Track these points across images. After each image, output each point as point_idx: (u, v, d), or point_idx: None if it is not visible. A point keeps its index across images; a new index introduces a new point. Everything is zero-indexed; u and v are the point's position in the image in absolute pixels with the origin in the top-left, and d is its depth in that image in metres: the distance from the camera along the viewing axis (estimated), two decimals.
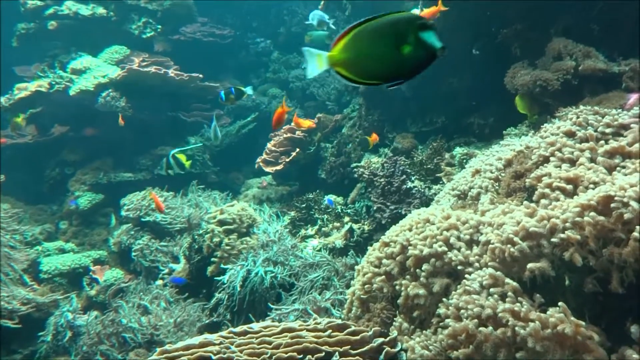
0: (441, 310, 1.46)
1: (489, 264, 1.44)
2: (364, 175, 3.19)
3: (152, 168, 4.99)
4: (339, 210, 3.51)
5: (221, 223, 2.96)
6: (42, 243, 4.15)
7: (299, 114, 6.18)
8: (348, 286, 2.58)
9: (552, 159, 1.56)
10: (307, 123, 3.69)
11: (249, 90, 3.57)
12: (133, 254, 3.63)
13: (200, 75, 5.19)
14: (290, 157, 4.18)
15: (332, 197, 3.77)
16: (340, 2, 4.20)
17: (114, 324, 2.73)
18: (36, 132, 5.19)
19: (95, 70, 4.73)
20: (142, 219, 3.79)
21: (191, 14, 6.18)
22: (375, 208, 3.04)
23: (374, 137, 3.54)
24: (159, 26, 5.73)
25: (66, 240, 4.35)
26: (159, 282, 3.16)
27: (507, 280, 1.35)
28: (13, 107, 4.83)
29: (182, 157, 3.01)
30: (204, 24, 6.47)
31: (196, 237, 3.05)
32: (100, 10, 5.36)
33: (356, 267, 1.93)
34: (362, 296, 1.82)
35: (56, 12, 5.27)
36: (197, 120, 5.66)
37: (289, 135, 4.35)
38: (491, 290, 1.36)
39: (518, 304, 1.27)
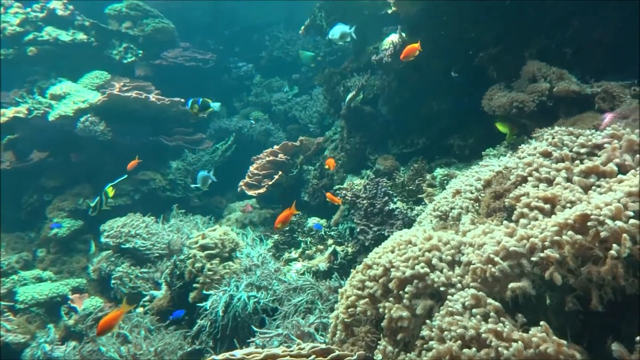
0: (425, 332, 1.45)
1: (471, 284, 1.44)
2: (347, 197, 3.19)
3: (132, 193, 4.93)
4: (323, 233, 3.50)
5: (203, 248, 2.92)
6: (19, 272, 4.02)
7: (281, 137, 6.21)
8: (332, 310, 2.55)
9: (529, 178, 1.58)
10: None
11: (215, 106, 3.55)
12: (112, 281, 3.54)
13: (182, 100, 5.19)
14: (273, 180, 4.18)
15: (315, 219, 3.76)
16: (321, 26, 4.27)
17: (92, 354, 2.65)
18: (14, 158, 5.10)
19: (75, 96, 4.69)
20: (122, 246, 3.72)
21: (173, 39, 6.21)
22: (358, 230, 3.04)
23: (329, 162, 3.57)
24: (140, 51, 5.74)
25: (44, 268, 4.23)
26: (140, 309, 3.08)
27: (489, 300, 1.35)
28: None
29: (110, 191, 2.81)
30: (186, 49, 6.51)
31: (178, 262, 3.00)
32: (81, 36, 5.35)
33: (340, 290, 1.92)
34: (345, 320, 1.80)
35: (36, 37, 5.25)
36: (179, 145, 5.64)
37: (271, 158, 4.36)
38: (474, 310, 1.35)
39: (501, 324, 1.27)
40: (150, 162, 5.33)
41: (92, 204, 3.24)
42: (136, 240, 3.62)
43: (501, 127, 2.60)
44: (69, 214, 4.59)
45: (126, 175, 3.22)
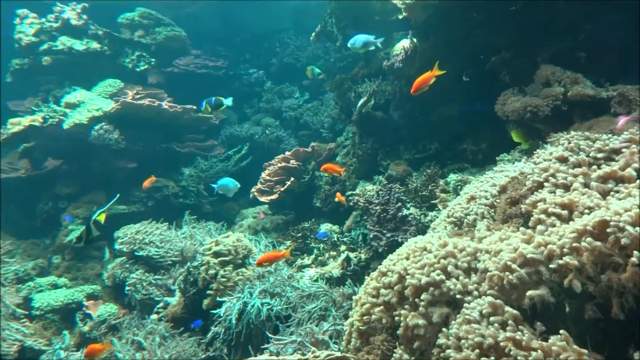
0: (441, 341, 1.43)
1: (488, 292, 1.42)
2: (360, 203, 3.18)
3: (146, 200, 4.96)
4: (335, 239, 3.50)
5: (217, 255, 2.93)
6: (35, 279, 4.07)
7: (293, 143, 6.23)
8: (346, 317, 2.54)
9: (546, 184, 1.57)
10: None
11: (228, 101, 3.55)
12: (127, 288, 3.57)
13: (194, 107, 5.23)
14: (285, 186, 4.18)
15: (328, 225, 3.75)
16: (332, 33, 4.28)
17: None
18: (29, 166, 5.17)
19: (89, 104, 4.75)
20: (136, 253, 3.74)
21: (184, 47, 6.27)
22: (371, 236, 3.03)
23: (339, 196, 3.55)
24: (153, 59, 5.80)
25: (59, 275, 4.28)
26: (154, 316, 3.09)
27: (507, 308, 1.33)
28: (6, 141, 4.83)
29: (101, 217, 2.60)
30: (198, 56, 6.56)
31: (191, 269, 3.02)
32: (94, 45, 5.43)
33: (354, 297, 1.91)
34: (360, 327, 1.79)
35: (50, 47, 5.33)
36: (190, 151, 5.68)
37: (283, 164, 4.36)
38: (491, 319, 1.34)
39: (519, 333, 1.25)
40: (162, 169, 5.37)
41: (77, 234, 2.82)
42: (149, 247, 3.64)
43: (516, 137, 2.58)
44: (83, 220, 4.64)
45: (118, 195, 3.17)
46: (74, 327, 3.61)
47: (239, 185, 3.44)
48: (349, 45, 3.37)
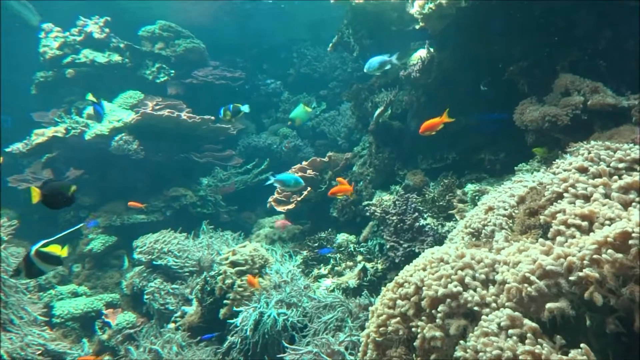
0: (459, 353, 1.41)
1: (506, 304, 1.40)
2: (376, 213, 3.17)
3: (164, 210, 5.03)
4: (352, 249, 3.48)
5: (233, 264, 2.95)
6: (55, 287, 4.14)
7: (310, 152, 6.25)
8: (362, 327, 2.52)
9: (565, 195, 1.54)
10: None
11: (245, 108, 3.66)
12: (145, 297, 3.60)
13: (212, 117, 5.29)
14: (302, 196, 4.19)
15: (344, 235, 3.74)
16: (349, 44, 4.31)
17: None
18: (52, 176, 5.29)
19: (110, 115, 4.86)
20: (154, 262, 3.78)
21: (203, 58, 6.37)
22: (388, 246, 3.01)
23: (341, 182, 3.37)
24: (173, 71, 5.91)
25: (79, 283, 4.35)
26: (171, 325, 3.12)
27: (526, 320, 1.31)
28: (30, 152, 4.95)
29: (54, 249, 2.17)
30: (216, 67, 6.66)
31: (208, 279, 3.03)
32: (116, 57, 5.56)
33: (370, 308, 1.89)
34: (377, 339, 1.77)
35: (74, 60, 5.48)
36: (208, 161, 5.74)
37: (300, 174, 4.38)
38: (510, 331, 1.32)
39: (539, 346, 1.23)
40: (181, 179, 5.44)
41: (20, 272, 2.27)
42: (168, 257, 3.68)
43: (539, 152, 2.54)
44: (103, 229, 4.72)
45: (80, 225, 3.10)
46: (93, 336, 3.66)
47: (302, 183, 3.35)
48: (365, 70, 3.38)
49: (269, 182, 3.40)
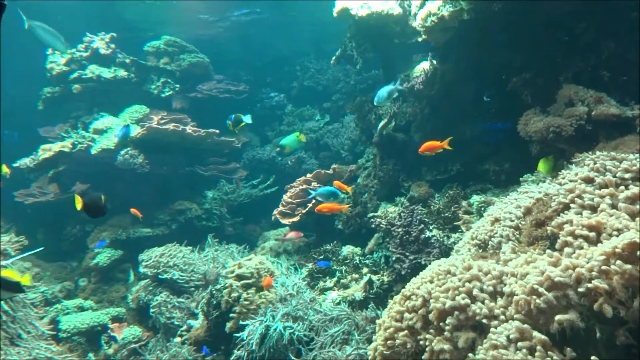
0: None
1: (515, 316, 1.40)
2: (382, 225, 3.17)
3: (170, 223, 5.04)
4: (357, 262, 3.48)
5: (239, 277, 2.95)
6: (62, 301, 4.14)
7: (314, 164, 6.27)
8: (369, 341, 2.51)
9: (572, 206, 1.54)
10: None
11: (247, 118, 3.88)
12: (151, 310, 3.60)
13: (217, 131, 5.32)
14: (307, 208, 4.20)
15: (349, 247, 3.74)
16: (352, 57, 4.34)
17: None
18: (58, 190, 5.32)
19: (116, 130, 4.90)
20: (160, 276, 3.78)
21: (208, 72, 6.43)
22: (394, 258, 3.00)
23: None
24: (178, 85, 5.97)
25: (85, 297, 4.35)
26: (177, 339, 3.11)
27: (535, 333, 1.30)
28: (37, 167, 4.99)
29: (11, 274, 2.10)
30: (220, 81, 6.71)
31: (214, 292, 3.03)
32: (122, 73, 5.62)
33: (377, 321, 1.89)
34: (384, 352, 1.76)
35: (80, 76, 5.54)
36: (213, 174, 5.76)
37: (305, 186, 4.39)
38: (519, 344, 1.31)
39: (549, 359, 1.22)
40: (186, 192, 5.46)
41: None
42: (173, 271, 3.68)
43: (543, 168, 2.54)
44: (109, 243, 4.73)
45: (42, 248, 3.10)
46: (99, 350, 3.65)
47: (340, 196, 3.37)
48: (375, 103, 3.43)
49: (311, 197, 3.43)
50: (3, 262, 2.50)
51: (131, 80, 5.74)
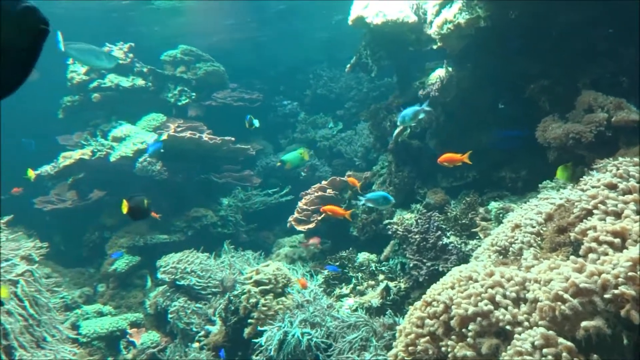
0: None
1: (539, 322, 1.40)
2: (398, 232, 3.18)
3: (186, 230, 5.09)
4: (373, 268, 3.48)
5: (257, 283, 2.97)
6: (82, 306, 4.20)
7: (327, 171, 6.29)
8: (387, 347, 2.51)
9: (595, 212, 1.54)
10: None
11: (256, 122, 4.37)
12: (169, 316, 3.63)
13: (232, 139, 5.38)
14: (322, 215, 4.21)
15: (365, 254, 3.74)
16: (367, 64, 4.37)
17: None
18: (76, 197, 5.40)
19: (134, 137, 4.98)
20: (177, 282, 3.82)
21: (223, 81, 6.51)
22: (411, 265, 3.00)
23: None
24: (194, 94, 6.05)
25: (104, 302, 4.40)
26: (196, 344, 3.13)
27: (561, 339, 1.30)
28: (58, 174, 5.09)
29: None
30: (234, 90, 6.78)
31: (232, 298, 3.06)
32: (140, 82, 5.72)
33: (397, 327, 1.89)
34: (405, 358, 1.77)
35: (100, 85, 5.65)
36: (227, 182, 5.81)
37: (320, 193, 4.41)
38: (544, 350, 1.31)
39: None
40: (201, 199, 5.51)
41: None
42: (191, 277, 3.71)
43: (561, 176, 2.54)
44: (126, 250, 4.79)
45: None
46: (118, 355, 3.69)
47: (392, 202, 3.35)
48: (399, 123, 3.43)
49: (361, 203, 3.44)
50: (28, 267, 2.56)
51: (149, 88, 5.83)
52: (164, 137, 4.64)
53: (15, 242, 2.78)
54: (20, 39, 0.74)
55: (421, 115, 3.29)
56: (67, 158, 4.93)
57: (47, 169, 5.09)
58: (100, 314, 4.08)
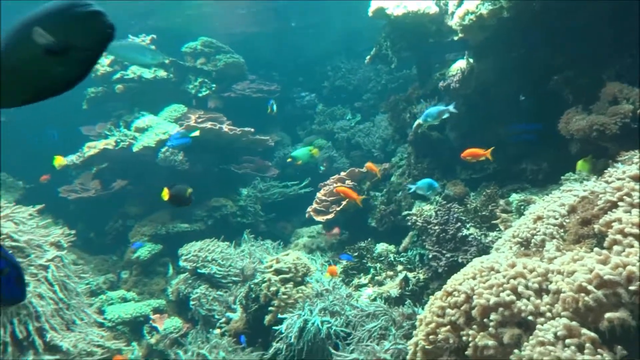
0: None
1: (562, 313, 1.41)
2: (417, 223, 3.19)
3: (206, 219, 5.18)
4: (392, 259, 3.50)
5: (277, 272, 3.02)
6: (106, 292, 4.33)
7: (345, 163, 6.31)
8: (406, 336, 2.53)
9: (620, 204, 1.54)
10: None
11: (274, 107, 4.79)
12: (191, 302, 3.72)
13: (252, 130, 5.43)
14: (341, 206, 4.24)
15: (383, 245, 3.76)
16: (387, 56, 4.36)
17: None
18: (99, 187, 5.52)
19: (157, 128, 5.06)
20: (199, 270, 3.90)
21: (242, 72, 6.55)
22: (430, 256, 3.02)
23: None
24: (214, 85, 6.11)
25: (127, 289, 4.52)
26: (217, 331, 3.20)
27: (584, 330, 1.32)
28: (83, 164, 5.21)
29: None
30: (253, 81, 6.81)
31: (253, 286, 3.11)
32: (161, 73, 5.79)
33: (418, 316, 1.92)
34: (426, 347, 1.79)
35: (123, 76, 5.74)
36: (247, 172, 5.87)
37: (338, 184, 4.43)
38: (567, 341, 1.33)
39: (598, 356, 1.24)
40: (221, 189, 5.59)
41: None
42: (212, 265, 3.79)
43: (583, 168, 2.52)
44: (149, 238, 4.90)
45: None
46: (142, 339, 3.80)
47: (438, 189, 3.36)
48: (421, 120, 3.44)
49: (411, 190, 3.45)
50: (58, 253, 2.65)
51: (170, 80, 5.91)
52: (196, 133, 4.71)
53: (45, 229, 2.87)
54: (86, 39, 0.78)
55: (445, 116, 3.30)
56: (92, 148, 5.04)
57: (72, 158, 5.22)
58: (124, 300, 4.19)
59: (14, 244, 2.52)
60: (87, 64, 0.82)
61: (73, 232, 3.01)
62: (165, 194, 2.37)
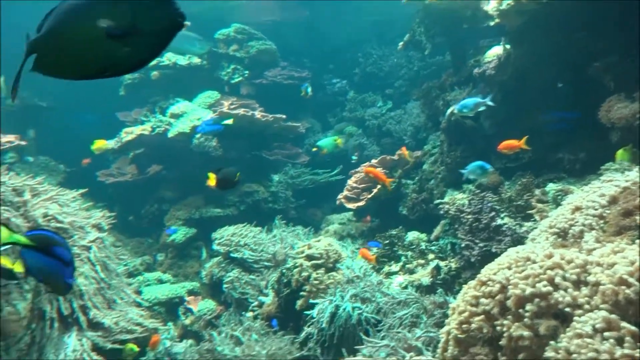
0: (550, 354, 1.42)
1: (601, 306, 1.39)
2: (450, 211, 3.17)
3: (238, 204, 5.28)
4: (423, 247, 3.50)
5: (309, 258, 3.06)
6: (143, 273, 4.49)
7: (375, 150, 6.28)
8: (438, 325, 2.54)
9: None
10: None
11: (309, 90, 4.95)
12: (224, 286, 3.82)
13: (284, 116, 5.47)
14: (372, 194, 4.25)
15: (415, 233, 3.76)
16: (420, 42, 4.31)
17: (209, 352, 2.88)
18: (136, 171, 5.69)
19: (191, 114, 5.16)
20: (232, 254, 3.99)
21: (274, 59, 6.58)
22: (463, 245, 3.00)
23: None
24: (247, 72, 6.17)
25: (163, 271, 4.68)
26: (250, 314, 3.29)
27: (624, 324, 1.30)
28: (121, 149, 5.38)
29: (5, 262, 1.92)
30: (284, 68, 6.83)
31: (284, 271, 3.17)
32: (196, 60, 5.89)
33: (451, 305, 1.92)
34: (459, 336, 1.80)
35: (158, 63, 5.87)
36: (278, 159, 5.93)
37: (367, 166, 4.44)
38: (606, 334, 1.31)
39: (639, 350, 1.22)
40: (253, 175, 5.67)
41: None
42: (244, 250, 3.87)
43: (623, 157, 2.45)
44: (183, 222, 5.04)
45: None
46: (177, 320, 3.94)
47: (490, 171, 3.24)
48: (456, 110, 3.38)
49: (465, 176, 3.34)
50: (99, 234, 2.77)
51: (204, 67, 6.00)
52: (229, 121, 4.78)
53: (87, 211, 2.99)
54: (154, 25, 0.80)
55: (481, 108, 3.23)
56: (129, 133, 5.19)
57: (111, 143, 5.39)
58: (160, 282, 4.34)
59: (58, 225, 2.64)
60: (155, 49, 0.83)
61: (113, 214, 3.12)
62: (212, 179, 2.39)
